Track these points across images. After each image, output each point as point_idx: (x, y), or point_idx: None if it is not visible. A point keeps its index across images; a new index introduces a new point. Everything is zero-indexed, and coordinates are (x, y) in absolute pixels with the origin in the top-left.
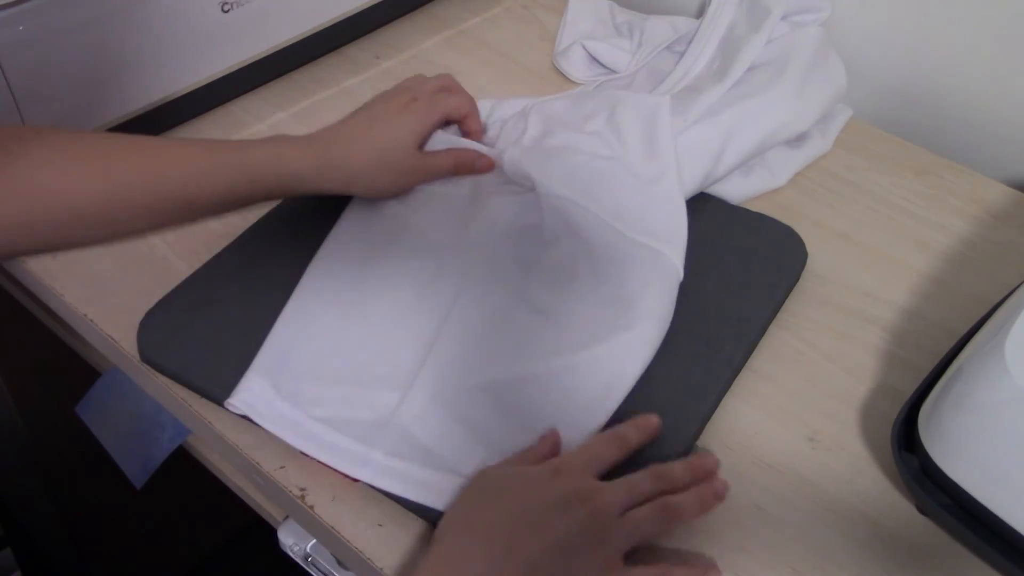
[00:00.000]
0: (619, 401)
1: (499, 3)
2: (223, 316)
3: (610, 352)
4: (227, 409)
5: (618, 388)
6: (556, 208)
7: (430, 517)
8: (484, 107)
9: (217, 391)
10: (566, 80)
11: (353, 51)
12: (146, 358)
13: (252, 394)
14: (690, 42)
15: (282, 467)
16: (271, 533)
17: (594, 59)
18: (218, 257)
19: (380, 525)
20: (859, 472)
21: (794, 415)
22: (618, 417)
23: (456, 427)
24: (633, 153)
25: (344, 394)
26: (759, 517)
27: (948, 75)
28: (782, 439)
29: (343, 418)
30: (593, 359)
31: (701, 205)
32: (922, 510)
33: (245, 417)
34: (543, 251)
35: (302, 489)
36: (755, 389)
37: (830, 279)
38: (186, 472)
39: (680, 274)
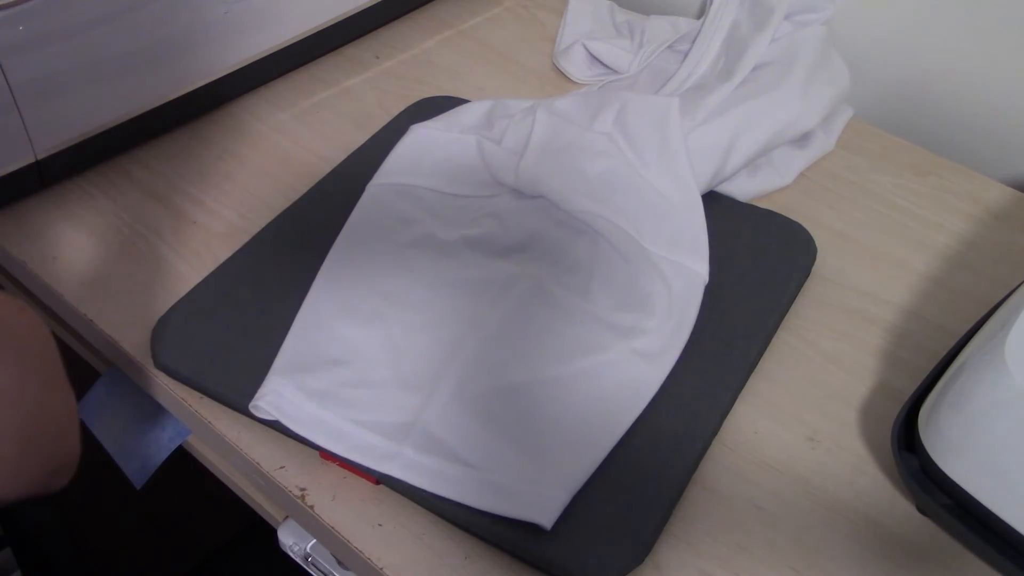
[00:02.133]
0: (646, 401)
1: (499, 3)
2: (237, 321)
3: (633, 356)
4: (250, 413)
5: (643, 390)
6: (576, 216)
7: (451, 516)
8: (482, 107)
9: (234, 396)
10: (566, 80)
11: (353, 51)
12: (160, 364)
13: (278, 396)
14: (693, 42)
15: (282, 467)
16: (271, 533)
17: (595, 59)
18: (229, 261)
19: (380, 525)
20: (859, 472)
21: (794, 415)
22: (640, 419)
23: (481, 428)
24: (646, 157)
25: (369, 396)
26: (759, 517)
27: (948, 75)
28: (782, 439)
29: (370, 419)
30: (616, 363)
31: (710, 203)
32: (922, 510)
33: (264, 421)
34: (564, 255)
35: (302, 489)
36: (755, 389)
37: (830, 279)
38: (186, 472)
39: (705, 279)
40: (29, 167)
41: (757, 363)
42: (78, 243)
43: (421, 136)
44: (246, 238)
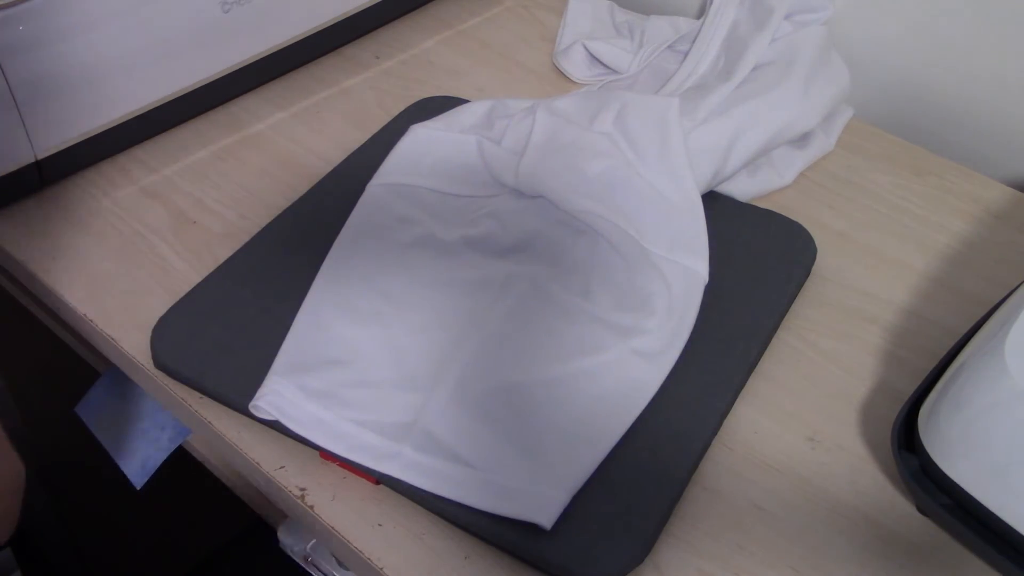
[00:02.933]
0: (646, 401)
1: (499, 3)
2: (237, 321)
3: (633, 355)
4: (250, 413)
5: (643, 390)
6: (576, 216)
7: (451, 516)
8: (482, 107)
9: (235, 397)
10: (566, 80)
11: (353, 51)
12: (160, 364)
13: (278, 396)
14: (693, 42)
15: (282, 467)
16: (271, 533)
17: (595, 59)
18: (229, 262)
19: (380, 525)
20: (859, 472)
21: (794, 415)
22: (640, 418)
23: (481, 428)
24: (646, 157)
25: (369, 396)
26: (759, 517)
27: (948, 75)
28: (782, 439)
29: (370, 419)
30: (616, 363)
31: (710, 203)
32: (922, 510)
33: (264, 421)
34: (563, 255)
35: (302, 489)
36: (755, 389)
37: (830, 279)
38: (186, 472)
39: (705, 279)
40: (29, 167)
41: (757, 363)
42: (78, 243)
43: (421, 136)
44: (246, 238)
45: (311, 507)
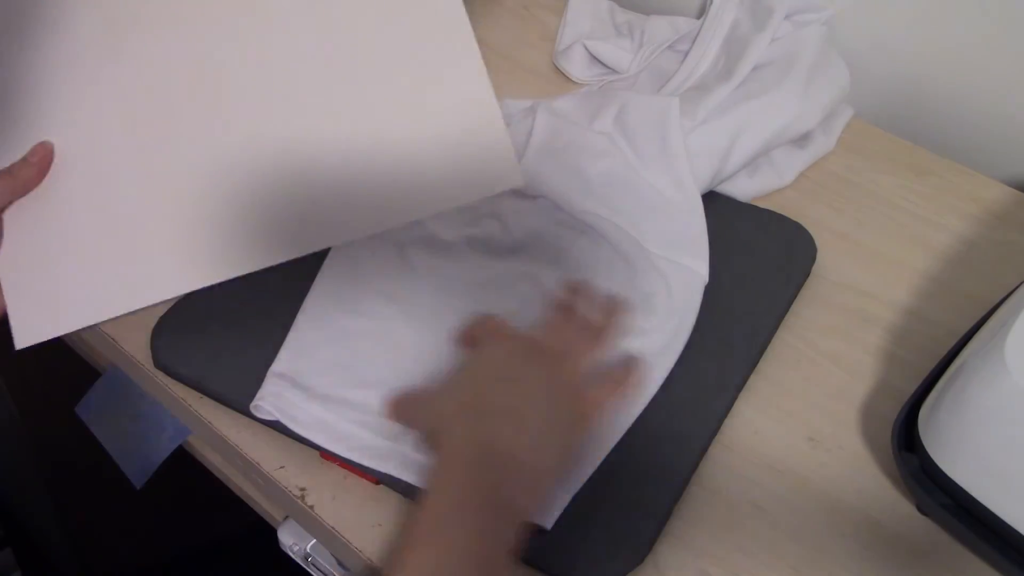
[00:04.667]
0: (646, 401)
1: (499, 3)
2: (237, 321)
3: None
4: (250, 413)
5: (643, 390)
6: (577, 216)
7: None
8: None
9: (235, 396)
10: (567, 80)
11: None
12: (160, 364)
13: (279, 396)
14: (693, 41)
15: (282, 467)
16: (271, 533)
17: (595, 59)
18: None
19: (379, 525)
20: (859, 472)
21: (794, 415)
22: (640, 419)
23: None
24: (646, 157)
25: (368, 396)
26: (759, 517)
27: (949, 75)
28: (782, 439)
29: (369, 419)
30: None
31: (710, 203)
32: (922, 509)
33: (264, 421)
34: (564, 255)
35: (302, 489)
36: (755, 389)
37: (830, 279)
38: (186, 472)
39: (705, 279)
40: None
41: (757, 363)
42: None
43: None
44: None
45: (311, 507)
